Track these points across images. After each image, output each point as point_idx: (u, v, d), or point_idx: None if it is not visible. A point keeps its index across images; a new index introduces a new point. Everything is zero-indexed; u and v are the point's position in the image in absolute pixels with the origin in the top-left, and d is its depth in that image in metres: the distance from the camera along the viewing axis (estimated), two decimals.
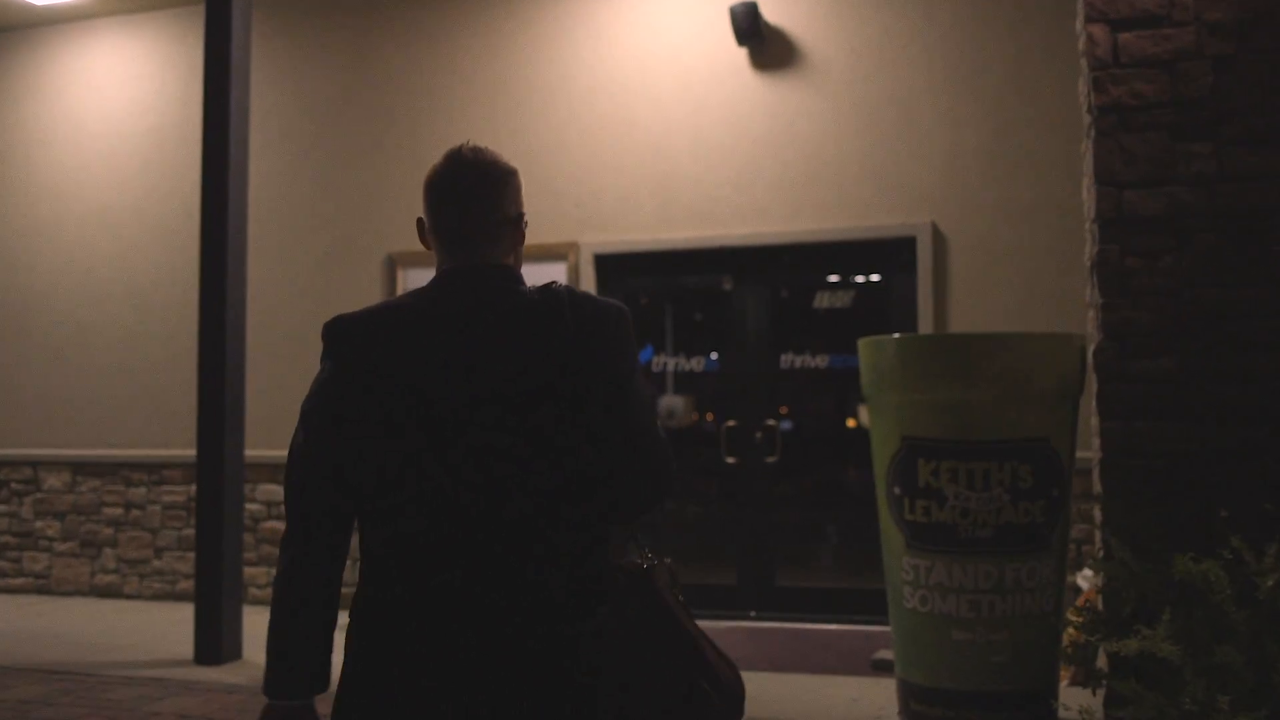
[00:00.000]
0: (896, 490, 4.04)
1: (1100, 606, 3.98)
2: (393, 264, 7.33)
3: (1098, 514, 3.98)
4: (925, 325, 6.36)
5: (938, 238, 6.39)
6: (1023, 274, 6.25)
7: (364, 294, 7.34)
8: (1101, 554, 3.88)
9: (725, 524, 6.99)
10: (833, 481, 6.97)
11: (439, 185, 2.01)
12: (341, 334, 1.92)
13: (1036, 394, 3.93)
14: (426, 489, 1.83)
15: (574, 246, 7.02)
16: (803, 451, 6.91)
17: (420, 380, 1.86)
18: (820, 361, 6.82)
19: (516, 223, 2.04)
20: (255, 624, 6.35)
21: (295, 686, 1.89)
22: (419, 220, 2.05)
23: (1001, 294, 6.27)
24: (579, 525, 1.89)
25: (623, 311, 1.96)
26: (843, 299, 6.87)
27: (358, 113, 7.58)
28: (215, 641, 5.76)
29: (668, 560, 2.04)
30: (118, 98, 8.16)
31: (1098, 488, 3.95)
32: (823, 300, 6.95)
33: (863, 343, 4.26)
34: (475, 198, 1.98)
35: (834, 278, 6.94)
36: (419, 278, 7.10)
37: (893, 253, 6.60)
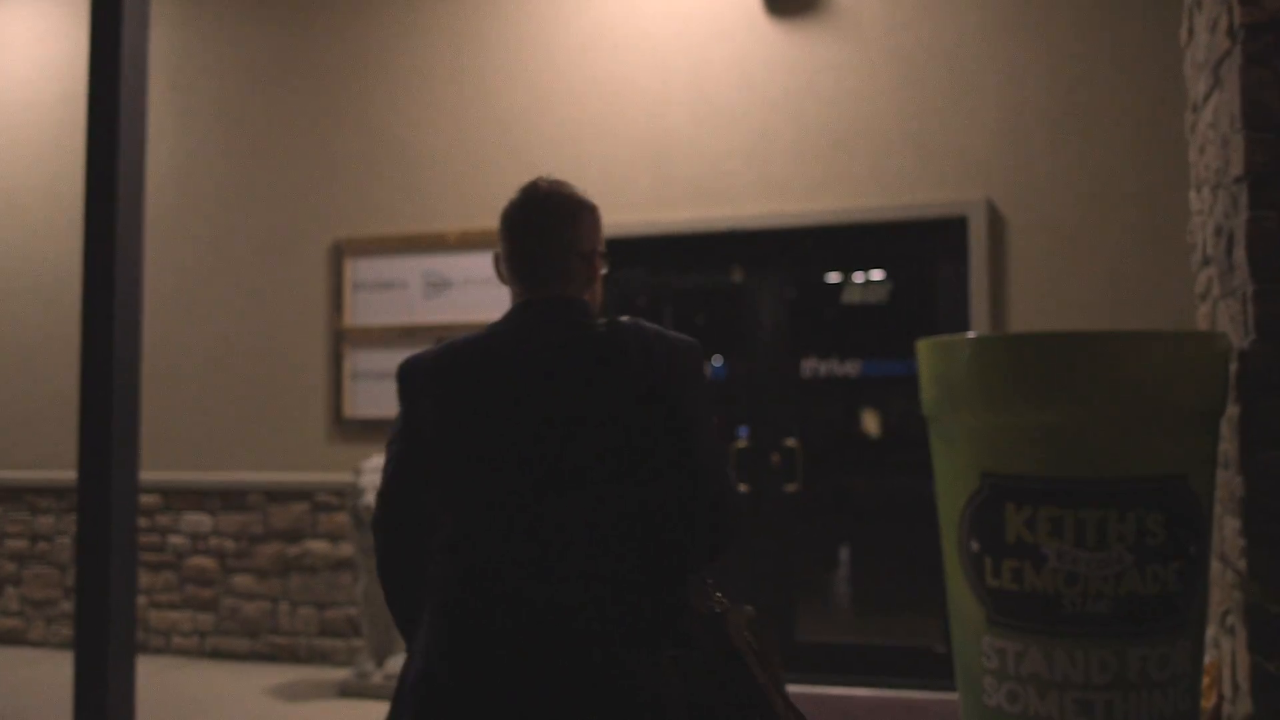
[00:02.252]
0: (974, 546, 3.08)
1: (1229, 685, 3.00)
2: (339, 252, 6.37)
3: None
4: (979, 325, 5.40)
5: (994, 218, 5.43)
6: (1101, 261, 5.30)
7: (307, 287, 6.41)
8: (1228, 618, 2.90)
9: (732, 565, 5.98)
10: (865, 516, 5.94)
11: (513, 218, 2.09)
12: (410, 376, 2.05)
13: (1171, 415, 2.95)
14: (495, 526, 1.92)
15: (494, 258, 5.98)
16: (828, 478, 5.89)
17: (488, 420, 1.94)
18: (850, 369, 5.82)
19: (590, 258, 2.09)
20: (170, 681, 5.65)
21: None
22: (495, 255, 2.15)
23: (1074, 286, 5.32)
24: (648, 565, 1.93)
25: (694, 348, 2.02)
26: (877, 293, 5.87)
27: (302, 75, 6.64)
28: (98, 706, 4.78)
29: (748, 607, 2.08)
30: (22, 60, 7.17)
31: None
32: (853, 294, 5.93)
33: (924, 345, 3.29)
34: (547, 232, 2.05)
35: (867, 267, 5.93)
36: (368, 269, 6.22)
37: (939, 236, 5.64)
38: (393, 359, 6.24)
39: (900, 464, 5.79)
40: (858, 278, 5.92)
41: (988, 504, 3.04)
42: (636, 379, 1.92)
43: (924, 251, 5.74)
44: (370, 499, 5.39)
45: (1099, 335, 2.98)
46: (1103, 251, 5.28)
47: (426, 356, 2.05)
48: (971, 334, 3.19)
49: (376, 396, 6.28)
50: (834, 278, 5.98)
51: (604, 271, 2.16)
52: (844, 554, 5.99)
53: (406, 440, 2.04)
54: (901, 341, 5.74)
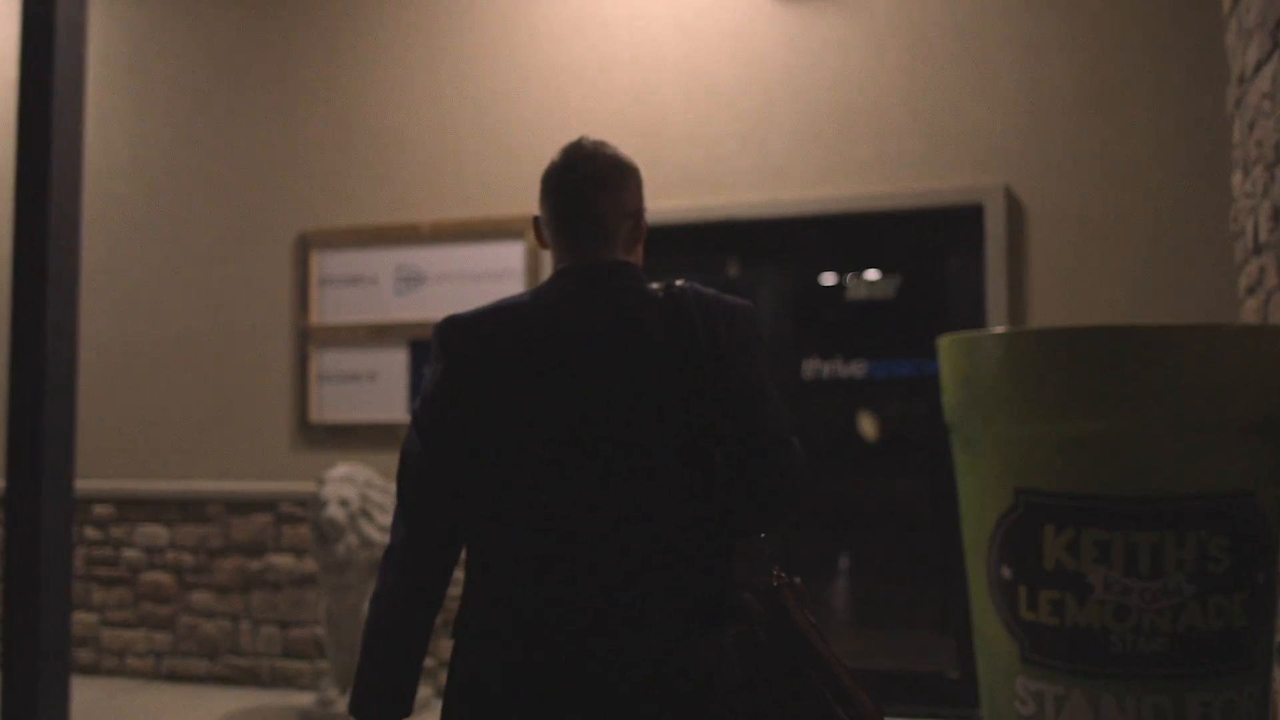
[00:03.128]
0: (1006, 573, 2.71)
1: None
2: (305, 245, 6.00)
3: None
4: (996, 323, 5.04)
5: (1013, 206, 5.07)
6: (1130, 253, 4.95)
7: (270, 282, 6.07)
8: None
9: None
10: (869, 524, 5.55)
11: (554, 178, 2.04)
12: (455, 334, 1.96)
13: (1237, 422, 2.58)
14: (542, 500, 1.87)
15: (533, 221, 5.62)
16: (834, 496, 5.51)
17: (537, 385, 1.89)
18: (856, 370, 5.44)
19: (636, 218, 2.07)
20: (123, 706, 5.52)
21: (382, 709, 1.93)
22: (535, 218, 2.11)
23: (1101, 281, 4.96)
24: (706, 539, 1.90)
25: (751, 310, 2.01)
26: (885, 288, 5.49)
27: (266, 56, 6.27)
28: None
29: (796, 579, 2.03)
30: None
31: None
32: (858, 289, 5.55)
33: (947, 343, 2.93)
34: (593, 192, 2.00)
35: (873, 260, 5.54)
36: (336, 263, 5.87)
37: (952, 227, 5.27)
38: (362, 359, 5.90)
39: (908, 467, 5.41)
40: (864, 272, 5.55)
41: (1022, 525, 2.67)
42: (698, 345, 1.89)
43: (936, 243, 5.37)
44: (333, 511, 5.02)
45: (1154, 329, 2.61)
46: (1132, 242, 4.92)
47: (470, 316, 1.97)
48: (1002, 328, 2.83)
49: (345, 400, 5.92)
50: (838, 272, 5.61)
51: (644, 235, 2.13)
52: (844, 563, 5.61)
53: (440, 403, 1.94)
54: (911, 341, 5.39)
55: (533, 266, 5.65)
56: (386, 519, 5.18)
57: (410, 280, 5.88)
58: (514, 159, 5.76)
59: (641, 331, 1.91)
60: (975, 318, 5.17)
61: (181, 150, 6.34)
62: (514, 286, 5.69)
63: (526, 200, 5.70)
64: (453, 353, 1.94)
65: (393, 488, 5.07)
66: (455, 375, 1.93)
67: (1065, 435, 2.62)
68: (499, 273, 5.74)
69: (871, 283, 5.53)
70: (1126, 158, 4.96)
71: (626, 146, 5.42)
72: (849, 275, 5.56)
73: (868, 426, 5.49)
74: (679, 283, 1.98)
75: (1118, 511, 2.55)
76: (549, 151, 5.67)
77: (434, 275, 5.85)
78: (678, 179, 5.52)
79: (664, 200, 5.51)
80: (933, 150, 5.20)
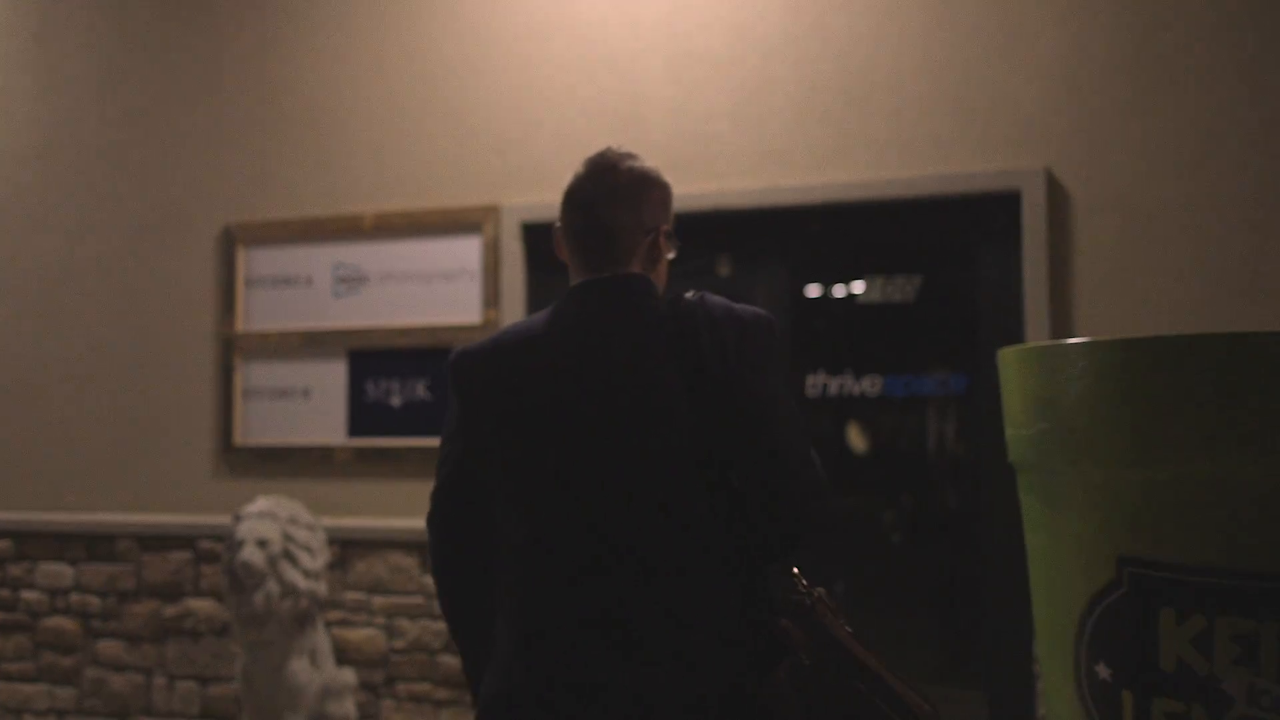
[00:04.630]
0: (1102, 672, 2.04)
1: None
2: (231, 240, 5.31)
3: None
4: (1036, 329, 4.38)
5: (1055, 192, 4.40)
6: (1197, 249, 4.27)
7: (190, 284, 5.42)
8: None
9: None
10: (881, 589, 4.85)
11: (573, 189, 2.09)
12: (465, 369, 2.04)
13: None
14: (561, 528, 1.89)
15: (492, 212, 5.00)
16: (842, 535, 4.79)
17: (550, 412, 1.91)
18: (870, 386, 4.74)
19: (656, 235, 2.07)
20: None
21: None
22: (555, 228, 2.15)
23: (1162, 282, 4.30)
24: (730, 563, 1.90)
25: (766, 321, 1.99)
26: (903, 289, 4.80)
27: (190, 25, 5.57)
28: None
29: (820, 590, 1.99)
30: None
31: None
32: (872, 290, 4.86)
33: (1014, 356, 2.26)
34: (609, 205, 2.04)
35: (889, 257, 4.84)
36: (266, 260, 5.24)
37: (983, 217, 4.60)
38: (294, 372, 5.21)
39: (928, 490, 4.72)
40: (878, 272, 4.86)
41: (1128, 607, 1.97)
42: (705, 362, 1.89)
43: (964, 237, 4.69)
44: (250, 554, 4.31)
45: None
46: (1199, 235, 4.25)
47: (481, 347, 2.04)
48: (1102, 337, 2.17)
49: (274, 419, 5.23)
50: (847, 271, 4.92)
51: (672, 255, 2.13)
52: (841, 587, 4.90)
53: (460, 440, 2.03)
54: (934, 352, 4.75)
55: (491, 264, 4.96)
56: (313, 562, 4.48)
57: (350, 281, 5.20)
58: (471, 140, 5.08)
59: (650, 353, 1.92)
60: (1011, 325, 4.50)
61: (94, 134, 5.64)
62: (470, 287, 5.02)
63: (485, 188, 5.02)
64: (464, 389, 2.02)
65: (322, 523, 4.69)
66: (468, 411, 2.00)
67: (1194, 484, 1.92)
68: (453, 272, 5.05)
69: (887, 284, 4.86)
70: (1190, 135, 4.29)
71: (600, 124, 4.74)
72: (860, 275, 4.90)
73: (857, 439, 4.80)
74: (688, 295, 1.98)
75: (1271, 594, 1.86)
76: (511, 132, 5.05)
77: (378, 275, 5.17)
78: (660, 162, 4.82)
79: None
80: (959, 128, 4.53)
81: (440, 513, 2.09)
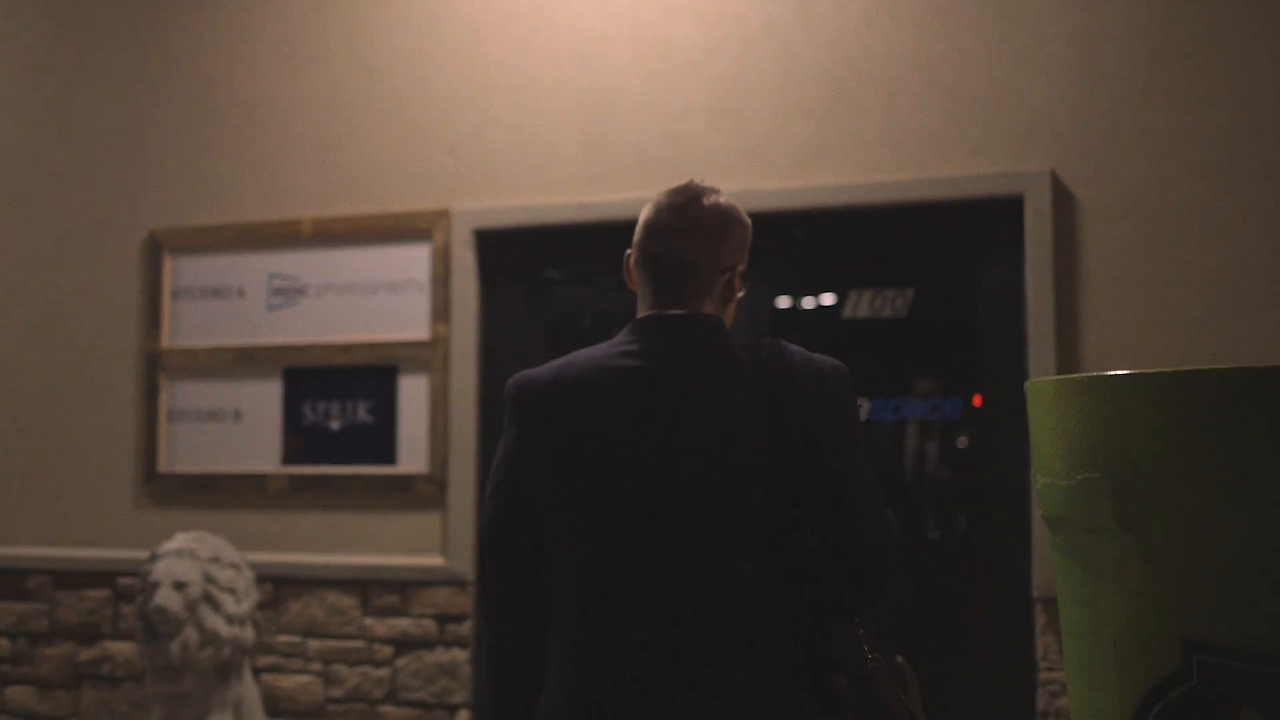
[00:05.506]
0: None
1: None
2: (158, 247, 4.91)
3: None
4: (1042, 350, 4.03)
5: (1061, 197, 4.05)
6: (1217, 259, 3.92)
7: (112, 295, 5.08)
8: None
9: None
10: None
11: (651, 218, 2.06)
12: (528, 395, 1.99)
13: None
14: (619, 574, 1.88)
15: (442, 217, 4.63)
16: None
17: (613, 450, 1.90)
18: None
19: (731, 276, 2.06)
20: None
21: None
22: (626, 255, 2.12)
23: (1177, 293, 3.95)
24: (794, 619, 1.90)
25: (843, 373, 2.00)
26: (894, 303, 4.44)
27: (115, 13, 5.17)
28: None
29: (899, 658, 1.98)
30: None
31: None
32: (859, 305, 4.49)
33: (1046, 387, 1.86)
34: (693, 240, 2.01)
35: (879, 267, 4.50)
36: (195, 270, 4.89)
37: (983, 223, 4.24)
38: (224, 392, 4.82)
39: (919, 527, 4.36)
40: (866, 283, 4.50)
41: (1197, 704, 1.58)
42: (786, 414, 1.89)
43: (961, 246, 4.33)
44: (165, 597, 3.91)
45: None
46: (1219, 244, 3.91)
47: (545, 374, 2.01)
48: (1168, 368, 1.82)
49: (202, 444, 4.83)
50: (832, 282, 4.59)
51: (741, 294, 2.11)
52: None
53: (517, 470, 1.99)
54: (927, 372, 4.43)
55: (441, 274, 4.58)
56: (238, 606, 4.08)
57: (287, 292, 4.81)
58: (421, 140, 4.70)
59: (730, 398, 1.91)
60: (1012, 343, 4.14)
61: (10, 132, 5.23)
62: (418, 299, 4.63)
63: (435, 191, 4.64)
64: (526, 413, 1.97)
65: (251, 560, 4.35)
66: (528, 438, 1.96)
67: None
68: (400, 283, 4.67)
69: (876, 298, 4.50)
70: (1210, 135, 3.94)
71: (566, 121, 4.50)
72: (847, 288, 4.54)
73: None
74: (765, 341, 1.98)
75: None
76: (464, 129, 4.65)
77: (317, 286, 4.78)
78: (629, 163, 4.48)
79: (610, 191, 4.47)
80: (957, 126, 4.18)
81: (498, 542, 2.01)
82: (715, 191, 2.07)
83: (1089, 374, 1.74)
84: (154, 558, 4.05)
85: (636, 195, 4.41)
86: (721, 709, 1.83)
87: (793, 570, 1.89)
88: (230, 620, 4.04)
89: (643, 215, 2.08)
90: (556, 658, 1.95)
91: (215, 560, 4.08)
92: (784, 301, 4.57)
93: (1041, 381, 1.85)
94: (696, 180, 2.09)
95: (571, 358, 2.02)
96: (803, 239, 4.44)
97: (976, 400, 4.28)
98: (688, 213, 2.03)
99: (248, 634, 4.14)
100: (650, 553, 1.87)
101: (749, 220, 2.10)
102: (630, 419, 1.91)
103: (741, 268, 2.10)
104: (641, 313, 2.06)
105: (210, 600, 4.01)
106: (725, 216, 2.05)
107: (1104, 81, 4.04)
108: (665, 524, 1.88)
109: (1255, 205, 3.87)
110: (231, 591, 4.08)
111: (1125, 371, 1.69)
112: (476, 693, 4.46)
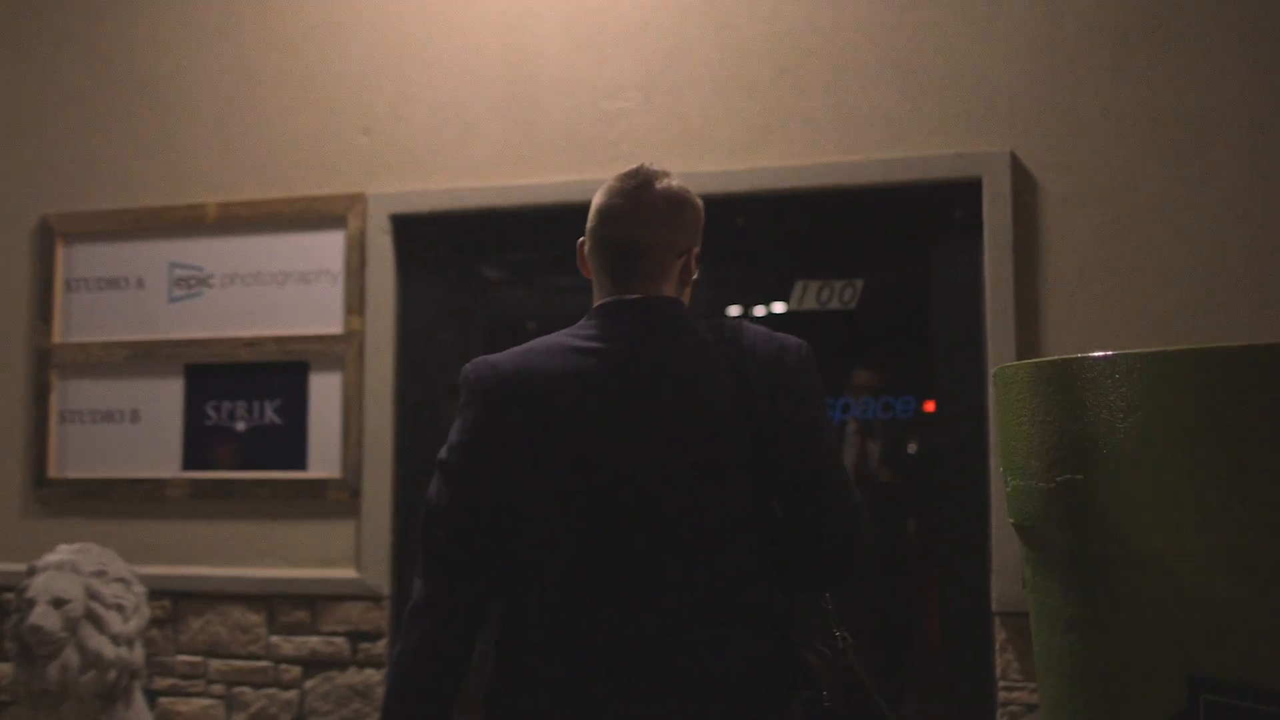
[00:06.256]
0: None
1: None
2: (49, 234, 4.62)
3: None
4: (1001, 346, 3.80)
5: (1021, 180, 3.84)
6: (1190, 246, 3.71)
7: (4, 283, 4.78)
8: None
9: None
10: None
11: (608, 205, 2.07)
12: (485, 381, 1.97)
13: None
14: (584, 558, 1.89)
15: (357, 201, 4.36)
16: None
17: (578, 437, 1.90)
18: None
19: (687, 258, 2.09)
20: None
21: None
22: (580, 243, 2.13)
23: (1147, 283, 3.74)
24: (764, 601, 1.92)
25: (806, 350, 2.02)
26: (842, 296, 4.22)
27: None
28: None
29: (850, 639, 2.02)
30: None
31: None
32: (805, 297, 4.25)
33: (1020, 372, 1.63)
34: (641, 222, 2.03)
35: (827, 255, 4.30)
36: (90, 259, 4.66)
37: (938, 209, 4.02)
38: (121, 391, 4.53)
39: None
40: (813, 273, 4.28)
41: None
42: (753, 393, 1.92)
43: (914, 232, 4.13)
44: (42, 615, 3.58)
45: None
46: (1192, 230, 3.70)
47: (507, 361, 1.99)
48: (1173, 346, 1.57)
49: (97, 447, 4.53)
50: (775, 272, 4.42)
51: (696, 276, 2.14)
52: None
53: (473, 450, 1.95)
54: (876, 368, 4.23)
55: (356, 264, 4.30)
56: (125, 625, 3.75)
57: (189, 282, 4.51)
58: (334, 119, 4.42)
59: (695, 382, 1.94)
60: (969, 337, 3.93)
61: None
62: (331, 290, 4.35)
63: (349, 173, 4.36)
64: (485, 399, 1.95)
65: (146, 573, 4.02)
66: (489, 422, 1.94)
67: None
68: (312, 273, 4.38)
69: (823, 289, 4.28)
70: (1182, 115, 3.74)
71: (487, 97, 4.31)
72: (792, 278, 4.32)
73: None
74: (728, 321, 2.02)
75: None
76: (380, 107, 4.36)
77: (222, 276, 4.48)
78: (556, 145, 4.22)
79: (539, 173, 4.21)
80: (910, 104, 3.96)
81: (446, 528, 1.94)
82: (667, 175, 2.08)
83: (1073, 355, 1.48)
84: (32, 572, 3.71)
85: (566, 178, 4.15)
86: (700, 693, 1.85)
87: (765, 551, 1.93)
88: (116, 640, 3.71)
89: (595, 201, 2.09)
90: (508, 646, 1.95)
91: (100, 574, 3.75)
92: (725, 291, 4.35)
93: (1014, 367, 1.58)
94: (647, 164, 2.10)
95: (531, 345, 2.02)
96: (745, 226, 4.20)
97: (929, 406, 4.08)
98: (640, 197, 2.03)
99: (137, 655, 3.81)
100: (627, 541, 1.88)
101: (700, 202, 2.11)
102: (599, 407, 1.92)
103: (697, 250, 2.11)
104: (598, 300, 2.06)
105: (93, 618, 3.68)
106: (678, 199, 2.06)
107: (1068, 56, 3.84)
108: (641, 512, 1.88)
109: (1231, 190, 3.67)
110: (118, 608, 3.75)
111: (1122, 352, 1.43)
112: None
